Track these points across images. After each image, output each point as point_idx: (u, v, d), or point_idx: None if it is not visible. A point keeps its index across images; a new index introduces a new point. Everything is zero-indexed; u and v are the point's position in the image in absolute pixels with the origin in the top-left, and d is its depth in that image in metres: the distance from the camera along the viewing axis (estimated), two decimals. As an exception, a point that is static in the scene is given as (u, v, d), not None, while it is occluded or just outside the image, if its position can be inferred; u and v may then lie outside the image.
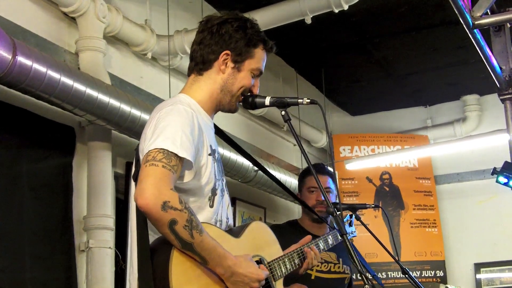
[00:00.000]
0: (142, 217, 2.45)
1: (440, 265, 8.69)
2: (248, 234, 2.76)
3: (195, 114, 2.56)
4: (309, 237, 3.17)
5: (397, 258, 4.06)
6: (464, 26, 4.35)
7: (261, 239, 2.83)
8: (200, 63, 2.72)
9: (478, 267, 8.77)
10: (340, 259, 4.23)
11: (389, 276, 8.46)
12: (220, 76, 2.70)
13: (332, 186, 4.33)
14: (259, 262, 2.72)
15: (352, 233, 3.82)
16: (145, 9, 5.98)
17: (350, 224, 3.77)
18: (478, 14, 4.38)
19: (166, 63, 6.03)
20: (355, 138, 9.18)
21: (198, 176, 2.55)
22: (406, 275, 3.88)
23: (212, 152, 2.65)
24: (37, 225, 4.46)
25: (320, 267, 4.10)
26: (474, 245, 8.87)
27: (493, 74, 4.79)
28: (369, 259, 8.28)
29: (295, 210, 8.38)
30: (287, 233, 4.13)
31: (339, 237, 3.58)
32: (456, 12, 4.19)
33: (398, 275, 8.40)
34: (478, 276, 8.75)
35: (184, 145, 2.43)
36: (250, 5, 6.08)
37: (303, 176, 4.40)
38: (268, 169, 6.76)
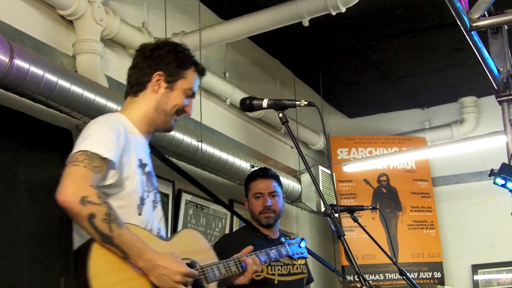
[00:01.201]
0: (68, 218, 2.55)
1: (438, 266, 8.70)
2: (179, 239, 2.88)
3: (122, 125, 2.72)
4: (250, 247, 3.16)
5: (394, 260, 4.07)
6: (462, 28, 4.36)
7: (193, 245, 2.93)
8: (135, 85, 2.89)
9: (476, 268, 8.78)
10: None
11: (387, 278, 8.46)
12: (154, 96, 2.86)
13: (278, 189, 4.31)
14: (189, 264, 2.78)
15: (301, 254, 3.76)
16: (142, 12, 5.97)
17: (300, 246, 3.74)
18: (476, 16, 4.39)
19: (163, 65, 6.02)
20: (352, 140, 9.18)
21: (125, 183, 2.69)
22: (404, 277, 3.88)
23: (141, 165, 2.80)
24: (35, 227, 4.45)
25: (281, 271, 4.10)
26: (472, 247, 8.88)
27: (490, 76, 4.80)
28: (367, 260, 8.29)
29: (293, 213, 8.39)
30: (239, 238, 4.14)
31: (283, 253, 3.62)
32: (454, 14, 4.20)
33: (395, 276, 8.40)
34: (475, 277, 8.75)
35: (108, 147, 2.58)
36: (247, 8, 6.09)
37: (248, 181, 4.34)
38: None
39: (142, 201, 2.74)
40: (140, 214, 2.72)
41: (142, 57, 2.92)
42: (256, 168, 4.47)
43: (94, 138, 2.60)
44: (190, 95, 2.92)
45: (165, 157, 3.26)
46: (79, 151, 2.55)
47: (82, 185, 2.46)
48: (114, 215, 2.48)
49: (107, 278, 2.47)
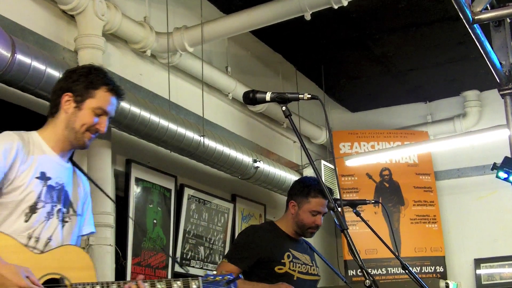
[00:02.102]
0: None
1: (440, 260, 8.69)
2: (55, 253, 2.93)
3: (18, 140, 2.93)
4: (141, 276, 3.09)
5: (397, 254, 4.06)
6: (464, 21, 4.34)
7: (71, 262, 2.95)
8: (52, 107, 3.09)
9: (478, 262, 8.77)
10: (313, 262, 4.32)
11: (389, 272, 8.46)
12: (65, 116, 3.04)
13: (327, 209, 4.35)
14: (57, 280, 2.83)
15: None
16: (144, 6, 5.97)
17: (228, 283, 3.32)
18: (478, 9, 4.37)
19: (165, 60, 6.02)
20: (355, 134, 9.17)
21: (15, 193, 2.87)
22: (406, 271, 3.88)
23: (44, 178, 2.96)
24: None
25: (301, 268, 4.19)
26: (474, 241, 8.87)
27: (493, 69, 4.79)
28: (369, 255, 8.29)
29: (295, 207, 8.38)
30: (266, 232, 4.26)
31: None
32: (456, 7, 4.18)
33: (398, 270, 8.40)
34: (478, 271, 8.75)
35: None
36: (249, 2, 6.07)
37: (310, 194, 4.29)
38: (268, 165, 6.80)
39: (32, 209, 2.89)
40: (26, 221, 2.87)
41: (59, 81, 3.15)
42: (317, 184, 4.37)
43: None
44: (100, 113, 3.04)
45: (86, 174, 3.33)
46: None
47: None
48: None
49: None
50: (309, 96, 2.72)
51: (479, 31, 4.51)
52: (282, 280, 4.06)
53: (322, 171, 7.93)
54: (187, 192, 6.28)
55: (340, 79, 8.78)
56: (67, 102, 3.01)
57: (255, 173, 6.65)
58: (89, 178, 3.30)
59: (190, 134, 5.62)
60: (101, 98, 3.03)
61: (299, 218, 4.27)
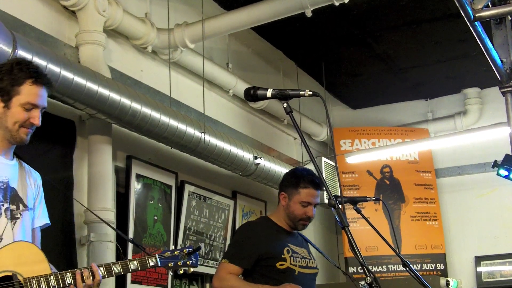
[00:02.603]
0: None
1: (441, 258, 8.70)
2: (5, 251, 2.94)
3: None
4: (93, 264, 3.10)
5: (397, 251, 4.06)
6: (465, 18, 4.34)
7: (22, 257, 2.96)
8: None
9: (479, 260, 8.78)
10: (311, 255, 4.29)
11: (390, 269, 8.46)
12: None
13: (319, 200, 4.34)
14: (10, 277, 2.86)
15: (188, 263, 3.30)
16: (145, 3, 5.97)
17: (190, 254, 3.18)
18: (479, 7, 4.37)
19: (166, 56, 6.02)
20: (355, 131, 9.17)
21: None
22: (407, 268, 3.88)
23: None
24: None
25: (301, 263, 4.16)
26: (475, 238, 8.87)
27: (494, 67, 4.79)
28: (370, 252, 8.29)
29: (296, 204, 8.37)
30: (263, 228, 4.22)
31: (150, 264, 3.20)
32: (457, 4, 4.18)
33: (398, 268, 8.41)
34: (478, 269, 8.75)
35: None
36: (251, -2, 6.07)
37: (299, 185, 4.25)
38: (269, 162, 6.80)
39: None
40: None
41: None
42: (307, 171, 4.35)
43: None
44: (31, 108, 3.03)
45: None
46: None
47: None
48: None
49: None
50: (310, 93, 2.72)
51: (480, 28, 4.51)
52: (284, 276, 4.05)
53: (323, 168, 7.93)
54: (188, 188, 6.28)
55: (341, 76, 8.77)
56: None
57: (256, 169, 6.65)
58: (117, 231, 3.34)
59: (191, 131, 5.62)
60: (28, 92, 3.01)
61: (290, 210, 4.23)
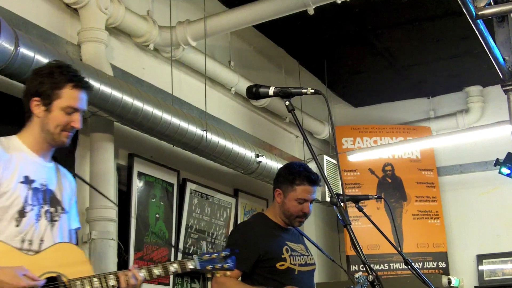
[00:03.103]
0: None
1: (443, 256, 8.69)
2: (49, 252, 2.98)
3: (1, 147, 3.00)
4: (135, 265, 3.12)
5: (399, 250, 4.06)
6: (467, 16, 4.33)
7: (65, 258, 3.01)
8: (26, 112, 3.13)
9: (481, 258, 8.77)
10: (308, 250, 4.25)
11: (392, 268, 8.46)
12: (38, 119, 3.08)
13: (315, 196, 4.30)
14: (55, 278, 2.89)
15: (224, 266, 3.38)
16: (147, 0, 5.97)
17: (225, 258, 3.24)
18: (482, 5, 4.35)
19: (168, 54, 6.02)
20: (357, 129, 9.17)
21: (2, 199, 2.91)
22: (409, 266, 3.88)
23: (27, 181, 3.01)
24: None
25: (300, 261, 4.11)
26: (477, 237, 8.87)
27: (496, 65, 4.77)
28: (371, 250, 8.29)
29: (298, 202, 8.37)
30: (260, 227, 4.14)
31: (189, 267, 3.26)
32: (459, 2, 4.17)
33: (400, 266, 8.40)
34: (480, 267, 8.75)
35: None
36: (253, -4, 6.06)
37: (295, 181, 4.19)
38: (270, 160, 6.79)
39: (21, 214, 2.94)
40: (17, 226, 2.92)
41: (26, 83, 3.19)
42: (303, 168, 4.30)
43: None
44: (71, 111, 3.07)
45: (73, 172, 3.42)
46: None
47: None
48: None
49: None
50: (312, 90, 2.72)
51: (482, 26, 4.50)
52: (284, 276, 4.02)
53: (325, 166, 7.93)
54: (190, 186, 6.29)
55: (343, 74, 8.77)
56: (36, 106, 3.06)
57: (258, 167, 6.65)
58: (79, 176, 3.37)
59: (193, 129, 5.62)
60: (68, 96, 3.06)
61: (286, 207, 4.17)
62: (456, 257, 8.90)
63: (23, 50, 4.02)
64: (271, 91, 2.82)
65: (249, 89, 2.85)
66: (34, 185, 3.02)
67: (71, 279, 2.91)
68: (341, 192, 5.49)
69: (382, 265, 8.45)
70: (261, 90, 2.85)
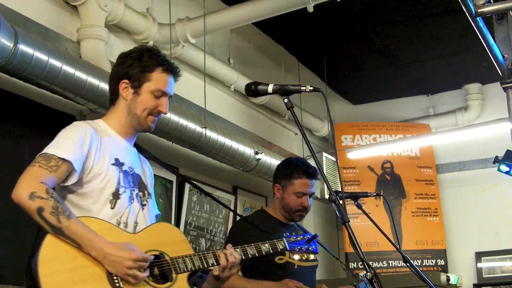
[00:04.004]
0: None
1: (441, 254, 8.70)
2: (149, 231, 2.99)
3: (90, 128, 2.95)
4: (229, 245, 3.16)
5: (398, 247, 4.07)
6: (467, 14, 4.33)
7: (165, 237, 3.01)
8: (111, 95, 3.14)
9: (479, 256, 8.78)
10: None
11: (390, 265, 8.47)
12: (125, 103, 3.07)
13: (315, 189, 4.33)
14: (157, 256, 2.87)
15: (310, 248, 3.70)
16: (146, -3, 5.97)
17: (309, 241, 3.55)
18: (481, 2, 4.35)
19: (167, 51, 6.01)
20: (356, 126, 9.17)
21: (97, 181, 2.90)
22: (408, 264, 3.89)
23: (118, 164, 2.99)
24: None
25: (300, 256, 4.12)
26: (476, 234, 8.87)
27: (495, 62, 4.78)
28: (370, 248, 8.30)
29: (297, 199, 8.38)
30: (259, 223, 4.14)
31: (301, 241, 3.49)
32: (459, 0, 4.17)
33: (399, 263, 8.41)
34: (479, 265, 8.76)
35: (67, 148, 2.81)
36: (252, -7, 6.06)
37: (293, 175, 4.25)
38: (270, 157, 6.80)
39: (115, 196, 2.93)
40: (112, 208, 2.90)
41: (114, 67, 3.17)
42: (301, 162, 4.35)
43: (55, 142, 2.86)
44: (160, 95, 3.07)
45: (149, 154, 3.41)
46: (40, 154, 2.81)
47: (33, 182, 2.68)
48: (63, 208, 2.67)
49: (56, 266, 2.62)
50: (311, 88, 2.73)
51: (481, 24, 4.50)
52: (283, 270, 4.04)
53: (324, 163, 7.93)
54: (189, 183, 6.28)
55: (342, 71, 8.77)
56: (125, 89, 3.05)
57: (257, 165, 6.65)
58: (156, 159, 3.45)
59: (192, 126, 5.62)
60: (158, 80, 3.05)
61: (285, 201, 4.22)
62: (455, 255, 8.91)
63: (22, 47, 4.02)
64: (270, 88, 2.84)
65: (248, 86, 2.87)
66: (124, 168, 3.02)
67: (173, 257, 2.90)
68: (340, 189, 5.50)
69: (381, 263, 8.46)
70: (260, 87, 2.87)
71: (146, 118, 3.06)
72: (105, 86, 4.63)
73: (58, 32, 4.94)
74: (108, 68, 4.97)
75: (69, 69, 4.36)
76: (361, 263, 2.51)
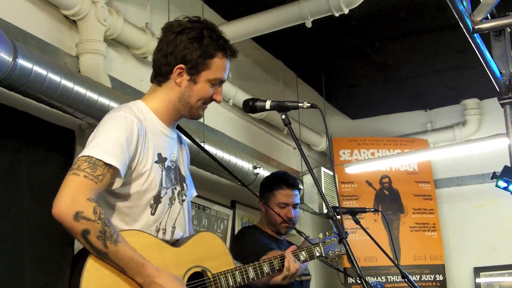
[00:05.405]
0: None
1: (440, 269, 8.69)
2: (192, 244, 2.79)
3: (136, 121, 2.61)
4: (293, 247, 3.17)
5: (396, 262, 4.06)
6: (464, 30, 4.36)
7: (207, 250, 2.83)
8: (158, 75, 2.78)
9: (478, 271, 8.76)
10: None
11: (389, 280, 8.46)
12: (177, 89, 2.75)
13: (299, 200, 4.34)
14: (200, 273, 2.74)
15: (341, 251, 3.65)
16: (145, 12, 5.98)
17: (340, 242, 3.58)
18: (478, 19, 4.38)
19: (166, 66, 6.02)
20: (354, 141, 9.18)
21: (138, 182, 2.62)
22: (406, 279, 3.88)
23: (160, 160, 2.70)
24: (37, 227, 4.45)
25: None
26: (474, 249, 8.87)
27: (493, 78, 4.80)
28: (369, 263, 8.28)
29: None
30: (260, 234, 4.22)
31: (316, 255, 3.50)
32: (456, 16, 4.20)
33: (397, 279, 8.40)
34: (477, 280, 8.74)
35: (114, 152, 2.50)
36: (251, 9, 6.08)
37: (273, 188, 4.29)
38: (268, 172, 6.80)
39: (157, 199, 2.68)
40: (153, 213, 2.67)
41: (166, 41, 2.78)
42: (280, 174, 4.40)
43: (101, 140, 2.54)
44: (217, 83, 2.82)
45: (199, 144, 3.21)
46: (83, 156, 2.51)
47: (79, 198, 2.40)
48: (110, 232, 2.44)
49: None
50: (309, 104, 2.74)
51: (479, 40, 4.53)
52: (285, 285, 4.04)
53: (322, 178, 7.93)
54: (187, 198, 6.28)
55: (341, 86, 8.79)
56: (179, 74, 2.74)
57: (255, 179, 6.65)
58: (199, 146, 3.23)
59: (190, 140, 5.62)
60: (218, 67, 2.79)
61: (270, 214, 4.23)
62: (453, 270, 8.90)
63: (21, 62, 4.02)
64: (268, 105, 2.84)
65: (245, 103, 2.87)
66: (166, 163, 2.74)
67: (215, 274, 2.76)
68: (337, 205, 5.49)
69: (379, 278, 8.45)
70: (258, 104, 2.87)
71: (199, 107, 2.80)
72: (104, 100, 4.64)
73: (57, 46, 4.95)
74: (108, 83, 4.98)
75: (68, 84, 4.36)
76: (359, 278, 2.51)
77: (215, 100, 2.84)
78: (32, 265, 4.36)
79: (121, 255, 2.45)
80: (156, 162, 2.68)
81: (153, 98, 2.79)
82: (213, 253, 2.83)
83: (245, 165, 6.43)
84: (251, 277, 2.91)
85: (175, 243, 2.77)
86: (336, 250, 3.47)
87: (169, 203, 2.73)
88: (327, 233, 3.62)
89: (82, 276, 2.43)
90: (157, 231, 2.69)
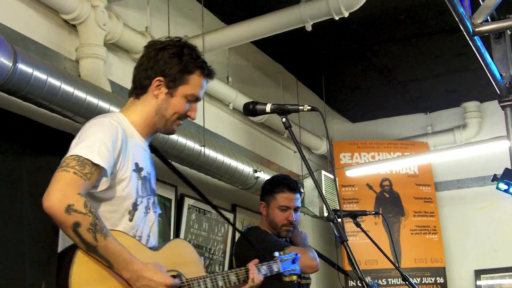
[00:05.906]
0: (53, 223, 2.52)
1: (441, 271, 8.68)
2: (167, 249, 2.86)
3: (120, 128, 2.70)
4: (256, 260, 3.16)
5: (397, 265, 4.06)
6: (465, 33, 4.36)
7: (181, 257, 2.90)
8: (138, 87, 2.88)
9: (479, 273, 8.76)
10: None
11: (390, 283, 8.45)
12: (154, 101, 2.84)
13: (300, 204, 4.35)
14: (175, 276, 2.76)
15: (293, 271, 3.57)
16: (145, 16, 5.98)
17: (294, 262, 3.50)
18: (479, 21, 4.38)
19: (166, 70, 6.02)
20: (355, 145, 9.18)
21: (118, 187, 2.69)
22: (407, 282, 3.88)
23: (137, 170, 2.79)
24: (37, 231, 4.45)
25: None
26: (475, 252, 8.86)
27: (493, 81, 4.80)
28: (369, 265, 8.28)
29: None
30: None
31: (274, 269, 3.42)
32: (457, 19, 4.19)
33: (398, 281, 8.39)
34: (478, 282, 8.74)
35: (101, 153, 2.57)
36: (250, 12, 6.09)
37: (275, 191, 4.31)
38: (269, 175, 6.79)
39: (134, 207, 2.75)
40: (131, 220, 2.73)
41: (147, 57, 2.89)
42: (281, 177, 4.42)
43: (88, 142, 2.60)
44: (193, 100, 2.89)
45: (167, 160, 3.30)
46: (71, 156, 2.57)
47: (70, 193, 2.46)
48: (100, 225, 2.49)
49: None
50: (309, 107, 2.74)
51: (479, 43, 4.52)
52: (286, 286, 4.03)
53: (323, 181, 7.93)
54: (187, 202, 6.28)
55: (341, 90, 8.79)
56: (158, 86, 2.82)
57: (256, 183, 6.65)
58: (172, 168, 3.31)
59: (191, 144, 5.62)
60: (195, 84, 2.86)
61: (270, 217, 4.26)
62: (454, 272, 8.90)
63: (21, 66, 4.02)
64: (268, 108, 2.84)
65: (246, 106, 2.87)
66: (142, 173, 2.82)
67: (189, 279, 2.79)
68: (338, 208, 5.50)
69: (380, 281, 8.44)
70: (258, 107, 2.87)
71: (174, 122, 2.87)
72: (104, 104, 4.64)
73: (57, 51, 4.95)
74: (107, 87, 4.98)
75: (68, 88, 4.36)
76: (359, 281, 2.51)
77: (189, 117, 2.91)
78: (33, 269, 4.36)
79: (110, 249, 2.49)
80: (134, 170, 2.76)
81: (132, 111, 2.88)
82: (187, 260, 2.92)
83: (245, 169, 6.43)
84: (220, 285, 2.93)
85: (151, 248, 2.82)
86: (290, 268, 3.46)
87: (144, 212, 2.81)
88: (281, 253, 3.60)
89: (71, 272, 2.46)
90: (134, 237, 2.75)
